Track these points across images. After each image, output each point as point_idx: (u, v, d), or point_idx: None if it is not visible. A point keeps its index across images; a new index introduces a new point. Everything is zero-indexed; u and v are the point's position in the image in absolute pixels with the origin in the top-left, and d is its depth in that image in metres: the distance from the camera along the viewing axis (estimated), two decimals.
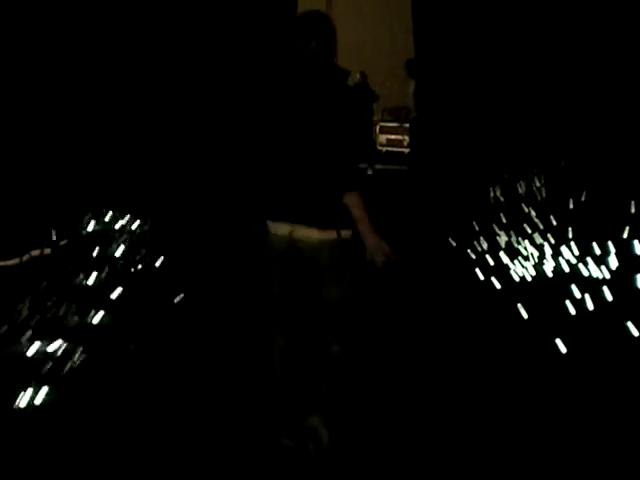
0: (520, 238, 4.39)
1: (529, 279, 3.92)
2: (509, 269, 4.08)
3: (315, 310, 2.40)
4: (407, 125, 10.44)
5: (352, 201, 2.30)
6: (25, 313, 2.72)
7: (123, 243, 3.89)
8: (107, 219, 4.21)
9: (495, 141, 6.77)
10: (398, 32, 11.27)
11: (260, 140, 2.54)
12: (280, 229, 2.36)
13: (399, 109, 10.98)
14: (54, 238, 3.65)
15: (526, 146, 6.14)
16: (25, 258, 3.39)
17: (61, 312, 2.87)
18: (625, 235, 3.94)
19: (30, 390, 2.38)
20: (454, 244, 4.87)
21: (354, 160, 2.40)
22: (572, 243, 3.99)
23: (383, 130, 11.34)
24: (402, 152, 11.01)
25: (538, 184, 5.40)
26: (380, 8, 12.17)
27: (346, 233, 2.33)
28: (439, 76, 8.25)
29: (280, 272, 2.39)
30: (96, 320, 2.99)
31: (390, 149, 11.40)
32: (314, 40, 2.38)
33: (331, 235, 2.31)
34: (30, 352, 2.57)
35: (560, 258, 3.89)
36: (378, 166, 10.05)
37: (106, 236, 3.94)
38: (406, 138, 10.82)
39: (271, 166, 2.43)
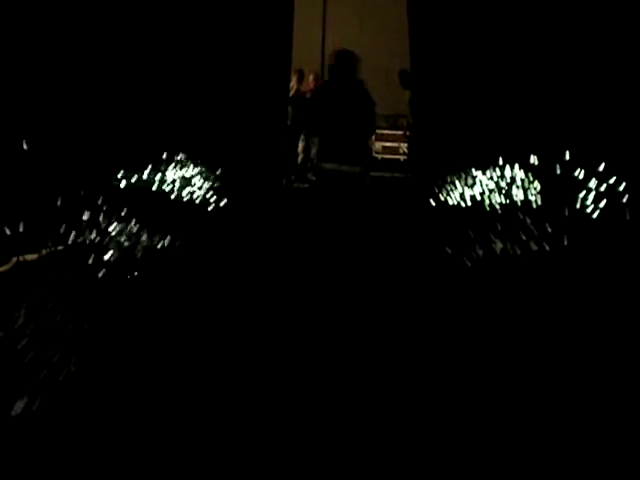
0: (515, 246, 4.40)
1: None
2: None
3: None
4: (402, 132, 10.51)
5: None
6: (21, 320, 2.71)
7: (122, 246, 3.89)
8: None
9: (490, 149, 6.80)
10: (394, 39, 11.32)
11: (318, 123, 4.93)
12: (331, 166, 4.84)
13: (395, 117, 11.03)
14: (50, 243, 3.64)
15: (521, 152, 6.16)
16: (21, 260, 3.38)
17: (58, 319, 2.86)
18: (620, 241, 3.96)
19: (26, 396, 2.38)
20: (450, 252, 4.88)
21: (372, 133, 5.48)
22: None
23: (379, 137, 11.37)
24: (398, 159, 11.06)
25: (533, 191, 5.42)
26: (376, 15, 12.24)
27: (363, 168, 4.95)
28: (435, 84, 8.28)
29: (330, 180, 4.86)
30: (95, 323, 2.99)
31: (386, 156, 11.45)
32: (345, 66, 4.80)
33: (356, 169, 4.87)
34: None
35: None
36: (374, 173, 10.06)
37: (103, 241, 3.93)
38: (402, 146, 10.87)
39: (326, 136, 4.89)
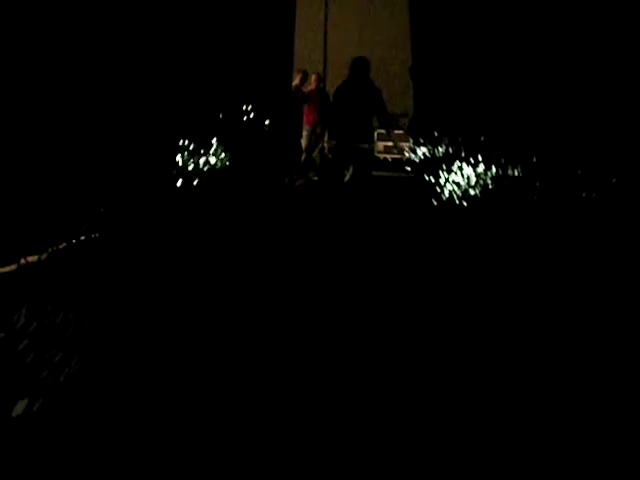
0: None
1: None
2: None
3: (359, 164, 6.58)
4: (404, 132, 10.50)
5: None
6: (22, 321, 2.71)
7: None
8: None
9: (491, 148, 6.80)
10: (395, 40, 11.31)
11: (338, 111, 6.47)
12: (348, 143, 6.45)
13: (397, 116, 11.02)
14: (51, 243, 3.64)
15: (521, 151, 6.16)
16: (22, 264, 3.37)
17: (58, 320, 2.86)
18: None
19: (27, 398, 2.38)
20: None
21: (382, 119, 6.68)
22: None
23: (381, 137, 11.38)
24: (400, 159, 11.05)
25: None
26: (377, 16, 12.24)
27: (371, 145, 6.77)
28: (437, 82, 8.28)
29: (346, 153, 6.54)
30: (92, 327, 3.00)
31: (387, 156, 11.44)
32: (362, 69, 6.39)
33: (365, 145, 6.50)
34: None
35: None
36: (376, 173, 10.08)
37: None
38: (403, 145, 10.86)
39: (343, 122, 6.45)
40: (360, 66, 6.36)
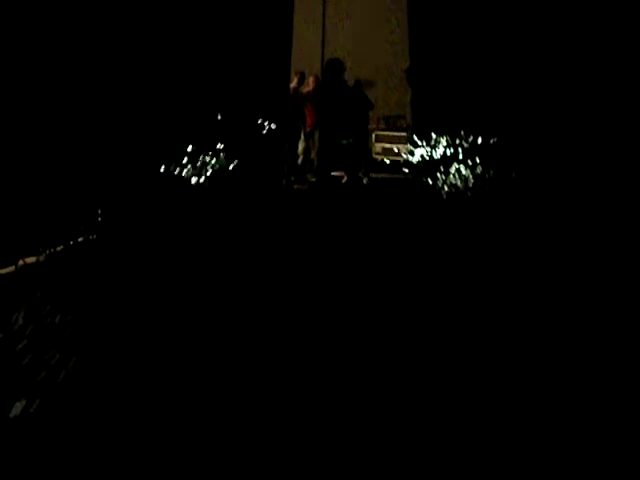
0: None
1: None
2: None
3: (354, 161, 8.21)
4: (403, 134, 10.52)
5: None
6: (20, 322, 2.72)
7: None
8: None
9: (488, 150, 6.81)
10: (394, 41, 11.33)
11: (325, 112, 7.54)
12: (344, 140, 7.69)
13: (395, 118, 11.04)
14: (49, 245, 3.65)
15: (519, 154, 6.18)
16: (19, 265, 3.38)
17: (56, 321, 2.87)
18: None
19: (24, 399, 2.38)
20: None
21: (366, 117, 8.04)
22: None
23: (379, 139, 11.40)
24: (398, 161, 11.06)
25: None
26: (376, 17, 12.25)
27: (360, 140, 8.11)
28: (434, 84, 8.29)
29: (342, 151, 7.89)
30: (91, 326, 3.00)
31: (385, 158, 11.45)
32: (338, 71, 7.31)
33: (349, 140, 7.62)
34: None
35: None
36: (374, 174, 10.08)
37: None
38: (401, 147, 10.88)
39: (332, 123, 7.70)
40: (336, 67, 7.34)
